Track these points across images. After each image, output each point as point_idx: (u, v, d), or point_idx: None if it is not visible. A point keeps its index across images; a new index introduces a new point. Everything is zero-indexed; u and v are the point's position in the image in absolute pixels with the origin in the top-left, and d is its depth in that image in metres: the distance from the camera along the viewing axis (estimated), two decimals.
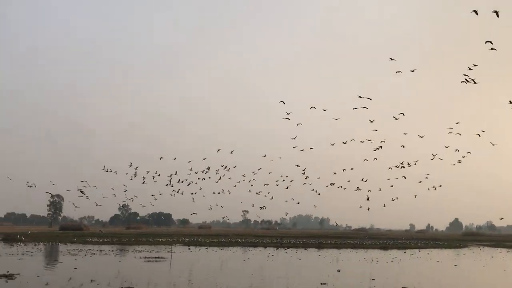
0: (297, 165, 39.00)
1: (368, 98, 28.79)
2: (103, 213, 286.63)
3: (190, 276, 25.14)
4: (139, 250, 47.28)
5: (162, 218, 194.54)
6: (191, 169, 38.54)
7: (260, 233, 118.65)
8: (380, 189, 38.23)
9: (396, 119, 31.64)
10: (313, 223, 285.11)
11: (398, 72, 27.72)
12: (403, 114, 32.04)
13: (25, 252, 41.53)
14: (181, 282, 22.59)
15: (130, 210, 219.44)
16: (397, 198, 40.97)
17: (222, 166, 38.30)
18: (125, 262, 34.45)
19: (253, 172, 40.22)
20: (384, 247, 62.45)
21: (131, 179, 25.92)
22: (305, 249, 55.12)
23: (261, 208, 26.31)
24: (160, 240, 68.49)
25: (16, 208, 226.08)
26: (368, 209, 31.38)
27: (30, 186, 23.86)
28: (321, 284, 22.24)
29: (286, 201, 44.72)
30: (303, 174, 38.48)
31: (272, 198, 27.25)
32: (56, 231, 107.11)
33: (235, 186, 39.25)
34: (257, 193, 42.09)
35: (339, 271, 29.01)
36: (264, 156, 39.30)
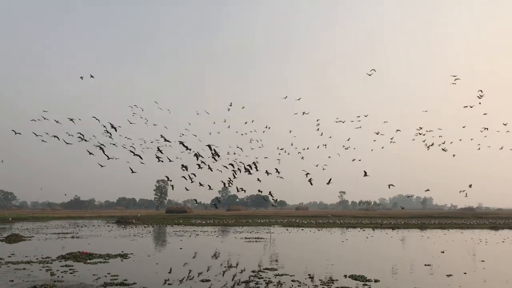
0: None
1: None
2: (204, 196, 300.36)
3: (286, 255, 25.48)
4: (240, 231, 48.84)
5: (262, 199, 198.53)
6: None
7: (358, 213, 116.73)
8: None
9: None
10: (414, 204, 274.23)
11: None
12: None
13: (136, 233, 44.78)
14: (281, 261, 22.96)
15: (229, 192, 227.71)
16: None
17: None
18: (227, 242, 35.78)
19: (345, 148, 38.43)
20: (494, 227, 58.48)
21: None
22: (407, 230, 53.32)
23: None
24: (259, 221, 70.19)
25: (127, 193, 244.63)
26: (470, 185, 29.10)
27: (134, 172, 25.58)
28: (425, 265, 21.40)
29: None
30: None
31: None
32: (163, 213, 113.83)
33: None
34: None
35: (443, 252, 27.69)
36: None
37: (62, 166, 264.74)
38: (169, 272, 19.04)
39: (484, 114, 33.14)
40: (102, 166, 25.57)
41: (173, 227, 57.55)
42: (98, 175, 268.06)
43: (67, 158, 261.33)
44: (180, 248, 29.42)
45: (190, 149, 25.70)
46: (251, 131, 36.48)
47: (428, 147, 33.11)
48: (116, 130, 25.83)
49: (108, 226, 60.08)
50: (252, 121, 38.34)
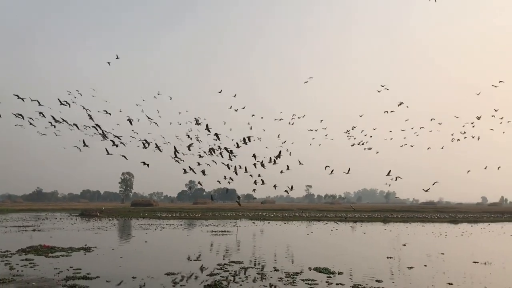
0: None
1: None
2: (170, 189, 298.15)
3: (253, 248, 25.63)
4: (206, 224, 48.75)
5: (227, 193, 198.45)
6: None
7: (324, 207, 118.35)
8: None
9: None
10: (378, 197, 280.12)
11: None
12: None
13: (100, 226, 44.05)
14: (244, 254, 23.05)
15: (197, 186, 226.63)
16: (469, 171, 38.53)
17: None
18: (193, 235, 35.65)
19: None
20: (454, 221, 60.42)
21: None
22: (371, 223, 54.44)
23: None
24: (226, 214, 70.22)
25: (91, 186, 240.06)
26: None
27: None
28: (387, 258, 21.93)
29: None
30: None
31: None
32: (128, 206, 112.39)
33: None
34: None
35: (404, 245, 28.44)
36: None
37: (24, 156, 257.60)
38: (134, 266, 18.83)
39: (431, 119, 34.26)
40: (109, 153, 24.01)
41: (138, 220, 56.89)
42: (61, 167, 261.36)
43: (30, 148, 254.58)
44: (145, 242, 29.13)
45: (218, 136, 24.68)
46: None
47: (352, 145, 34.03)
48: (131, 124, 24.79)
49: (71, 219, 58.84)
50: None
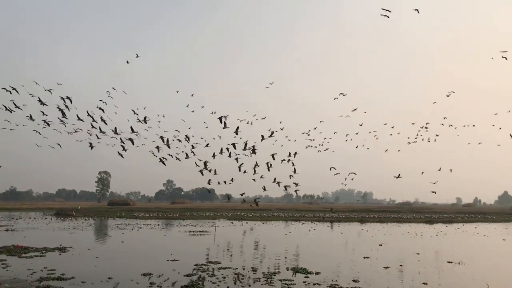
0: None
1: None
2: (148, 188, 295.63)
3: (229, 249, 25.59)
4: (184, 224, 48.48)
5: (206, 193, 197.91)
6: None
7: (302, 207, 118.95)
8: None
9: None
10: (355, 198, 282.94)
11: None
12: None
13: (76, 226, 43.41)
14: (221, 254, 23.00)
15: (175, 185, 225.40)
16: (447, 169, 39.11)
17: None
18: (170, 235, 35.40)
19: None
20: (429, 221, 61.41)
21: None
22: (348, 223, 54.94)
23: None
24: (204, 214, 69.97)
25: (67, 185, 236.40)
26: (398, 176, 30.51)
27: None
28: (364, 258, 22.15)
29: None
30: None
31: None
32: (105, 206, 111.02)
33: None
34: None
35: (381, 245, 28.77)
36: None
37: None
38: (110, 266, 18.60)
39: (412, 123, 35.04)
40: (121, 152, 23.37)
41: (115, 220, 56.23)
42: (35, 165, 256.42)
43: (4, 145, 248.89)
44: (122, 242, 28.81)
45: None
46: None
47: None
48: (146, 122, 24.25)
49: (46, 218, 57.81)
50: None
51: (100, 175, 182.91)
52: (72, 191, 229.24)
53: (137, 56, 26.73)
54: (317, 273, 17.17)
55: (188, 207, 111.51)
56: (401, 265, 19.73)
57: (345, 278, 16.39)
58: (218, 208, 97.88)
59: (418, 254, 24.40)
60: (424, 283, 15.59)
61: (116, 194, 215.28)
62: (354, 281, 15.83)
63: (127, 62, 27.76)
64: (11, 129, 24.19)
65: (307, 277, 16.52)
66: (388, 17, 19.61)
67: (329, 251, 25.81)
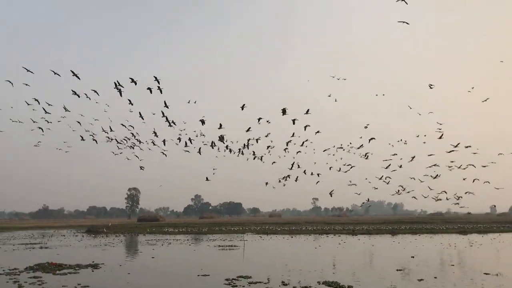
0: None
1: None
2: (177, 203, 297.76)
3: (264, 265, 25.45)
4: (213, 239, 48.57)
5: (234, 207, 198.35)
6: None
7: (331, 220, 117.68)
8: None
9: None
10: (386, 209, 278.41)
11: None
12: None
13: (107, 243, 43.98)
14: (253, 270, 22.90)
15: (203, 200, 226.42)
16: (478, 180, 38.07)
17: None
18: (200, 250, 35.49)
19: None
20: (463, 232, 59.85)
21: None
22: (379, 235, 54.03)
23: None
24: (232, 229, 69.97)
25: (97, 202, 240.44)
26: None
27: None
28: (397, 270, 21.69)
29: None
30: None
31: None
32: (135, 222, 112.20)
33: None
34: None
35: (413, 257, 28.12)
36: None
37: (30, 174, 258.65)
38: (141, 282, 18.74)
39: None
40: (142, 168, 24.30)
41: (145, 235, 56.79)
42: (67, 183, 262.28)
43: (35, 164, 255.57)
44: (152, 257, 29.03)
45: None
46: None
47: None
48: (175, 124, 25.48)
49: (78, 235, 58.83)
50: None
51: (130, 191, 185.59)
52: (102, 208, 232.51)
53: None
54: (349, 286, 16.89)
55: (216, 221, 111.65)
56: (435, 277, 19.23)
57: None
58: (246, 223, 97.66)
59: (453, 265, 23.77)
60: None
61: (146, 210, 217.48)
62: None
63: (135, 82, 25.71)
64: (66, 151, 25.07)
65: None
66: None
67: (360, 263, 25.36)
